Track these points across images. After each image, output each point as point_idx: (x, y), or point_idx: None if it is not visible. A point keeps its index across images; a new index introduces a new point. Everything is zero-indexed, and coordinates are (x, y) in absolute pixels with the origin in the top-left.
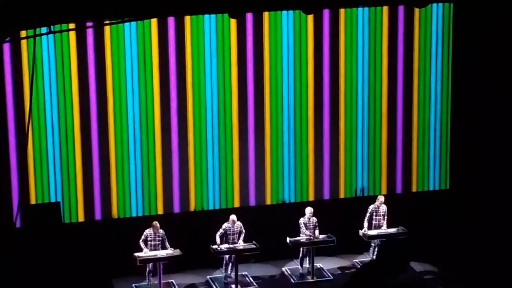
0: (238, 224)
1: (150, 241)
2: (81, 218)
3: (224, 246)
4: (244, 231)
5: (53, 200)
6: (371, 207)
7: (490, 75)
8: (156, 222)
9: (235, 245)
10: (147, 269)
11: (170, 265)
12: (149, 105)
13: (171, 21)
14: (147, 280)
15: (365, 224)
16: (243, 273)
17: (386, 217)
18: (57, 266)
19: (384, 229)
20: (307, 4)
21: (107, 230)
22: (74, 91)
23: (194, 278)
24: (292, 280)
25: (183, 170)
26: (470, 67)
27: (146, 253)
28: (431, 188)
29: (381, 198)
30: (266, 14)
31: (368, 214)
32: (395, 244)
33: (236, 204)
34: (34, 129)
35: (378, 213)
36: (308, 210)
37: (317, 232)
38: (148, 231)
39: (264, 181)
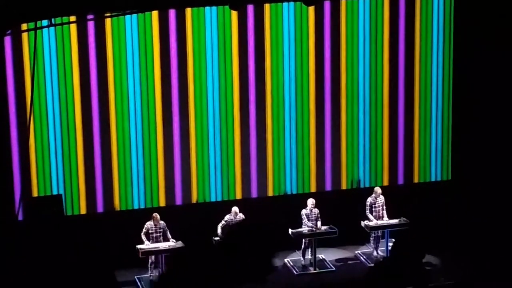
0: (240, 216)
1: (152, 233)
2: (83, 211)
3: None
4: None
5: (55, 192)
6: (369, 199)
7: (492, 66)
8: (156, 214)
9: None
10: (149, 261)
11: None
12: (151, 98)
13: (172, 13)
14: (149, 272)
15: (370, 216)
16: None
17: (385, 208)
18: (59, 259)
19: (385, 220)
20: None
21: (109, 222)
22: (75, 84)
23: None
24: (294, 271)
25: (185, 162)
26: (472, 58)
27: (148, 245)
28: (433, 179)
29: (378, 190)
30: (267, 6)
31: (368, 207)
32: (409, 240)
33: (238, 196)
34: (36, 121)
35: (376, 205)
36: (310, 201)
37: (319, 223)
38: (149, 224)
39: (266, 173)
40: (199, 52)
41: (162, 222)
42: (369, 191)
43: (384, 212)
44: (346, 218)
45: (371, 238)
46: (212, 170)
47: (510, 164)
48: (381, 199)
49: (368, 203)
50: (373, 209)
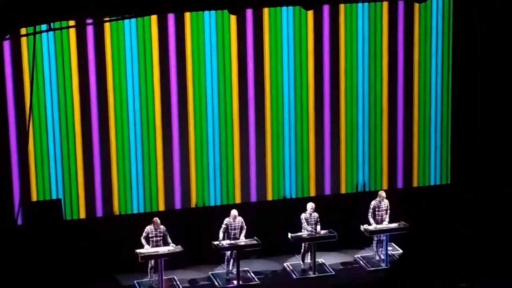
0: (239, 219)
1: (152, 237)
2: (82, 215)
3: (225, 242)
4: (245, 226)
5: (54, 197)
6: (373, 203)
7: (491, 69)
8: (157, 218)
9: (236, 241)
10: (149, 266)
11: (172, 261)
12: (150, 102)
13: (171, 17)
14: (149, 277)
15: (371, 220)
16: (245, 268)
17: (389, 212)
18: (58, 263)
19: (385, 224)
20: (307, 0)
21: (109, 227)
22: (75, 88)
23: (196, 274)
24: (294, 275)
25: (184, 166)
26: (470, 62)
27: (147, 249)
28: (432, 183)
29: (382, 194)
30: (266, 10)
31: (371, 210)
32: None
33: (238, 200)
34: (35, 126)
35: (380, 209)
36: (310, 205)
37: (318, 227)
38: (149, 228)
39: (265, 177)
40: (198, 56)
41: (162, 227)
42: (369, 195)
43: (387, 216)
44: (345, 222)
45: (374, 242)
46: (212, 174)
47: (510, 167)
48: (385, 203)
49: (371, 207)
50: (376, 212)
